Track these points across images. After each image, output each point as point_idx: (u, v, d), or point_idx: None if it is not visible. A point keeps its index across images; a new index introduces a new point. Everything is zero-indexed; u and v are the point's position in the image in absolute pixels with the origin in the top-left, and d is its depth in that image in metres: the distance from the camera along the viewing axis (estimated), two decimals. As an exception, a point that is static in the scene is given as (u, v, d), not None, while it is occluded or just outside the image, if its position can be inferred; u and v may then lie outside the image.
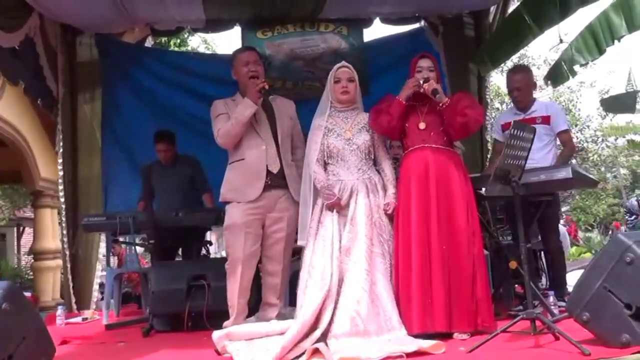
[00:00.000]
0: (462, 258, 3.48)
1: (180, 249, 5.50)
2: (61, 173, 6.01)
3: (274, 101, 4.00)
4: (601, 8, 4.73)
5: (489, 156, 6.42)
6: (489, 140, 6.56)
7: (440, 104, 3.60)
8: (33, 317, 2.94)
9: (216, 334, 3.42)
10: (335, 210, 3.59)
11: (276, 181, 3.82)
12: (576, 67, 5.00)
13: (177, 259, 5.57)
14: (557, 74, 5.15)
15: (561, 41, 5.21)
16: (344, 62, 3.86)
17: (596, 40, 4.77)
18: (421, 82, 3.62)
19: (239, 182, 3.81)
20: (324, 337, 3.24)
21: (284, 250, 3.88)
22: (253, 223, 3.79)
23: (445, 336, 3.34)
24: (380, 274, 3.49)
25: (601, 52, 4.77)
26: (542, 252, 5.08)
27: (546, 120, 4.44)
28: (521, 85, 4.57)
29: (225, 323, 3.74)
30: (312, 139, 3.76)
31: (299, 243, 3.76)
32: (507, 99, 17.78)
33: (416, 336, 3.27)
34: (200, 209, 5.21)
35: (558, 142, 4.66)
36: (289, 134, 3.96)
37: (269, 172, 3.80)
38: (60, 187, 6.01)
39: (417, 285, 3.41)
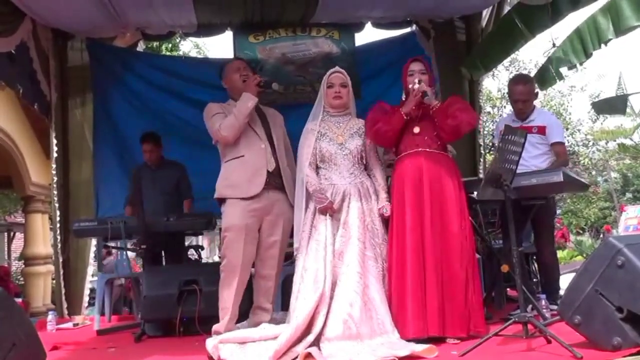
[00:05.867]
0: (456, 263, 3.48)
1: (164, 253, 5.47)
2: (55, 178, 5.98)
3: (265, 110, 4.05)
4: (589, 12, 4.77)
5: (481, 160, 6.46)
6: (482, 144, 6.60)
7: (431, 107, 3.61)
8: (23, 323, 2.92)
9: (210, 342, 3.41)
10: (328, 214, 3.59)
11: (274, 180, 3.84)
12: (563, 70, 5.03)
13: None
14: (545, 77, 5.18)
15: (554, 45, 5.23)
16: (337, 68, 3.87)
17: (583, 44, 4.79)
18: (416, 87, 3.61)
19: (238, 178, 3.80)
20: (317, 341, 3.24)
21: (279, 254, 3.89)
22: (252, 226, 3.78)
23: (438, 340, 3.34)
24: (373, 278, 3.49)
25: (588, 55, 4.79)
26: (534, 256, 5.10)
27: (542, 130, 4.40)
28: (525, 97, 4.48)
29: (216, 326, 3.71)
30: (305, 142, 3.76)
31: (295, 246, 3.74)
32: (498, 103, 17.89)
33: (410, 341, 3.27)
34: (191, 213, 5.21)
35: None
36: (283, 140, 4.00)
37: (266, 171, 3.82)
38: (54, 193, 5.98)
39: (412, 290, 3.41)
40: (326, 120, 3.80)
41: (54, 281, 6.62)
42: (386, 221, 3.67)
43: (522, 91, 4.48)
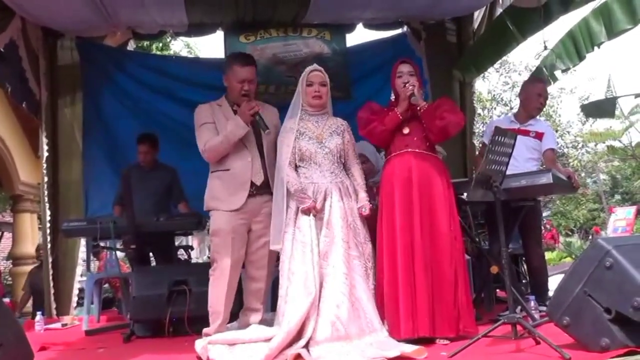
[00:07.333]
0: (445, 263, 3.48)
1: (154, 254, 5.46)
2: (45, 178, 5.94)
3: (262, 106, 3.91)
4: (582, 15, 4.80)
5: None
6: (476, 145, 6.62)
7: (418, 108, 3.61)
8: (11, 323, 2.90)
9: (199, 343, 3.40)
10: (311, 214, 3.55)
11: (259, 191, 3.79)
12: (557, 73, 5.06)
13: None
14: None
15: (545, 48, 5.26)
16: (315, 65, 3.79)
17: (576, 47, 4.83)
18: (407, 86, 3.61)
19: (222, 192, 3.76)
20: (307, 345, 3.22)
21: (269, 255, 3.84)
22: (239, 228, 3.76)
23: (428, 341, 3.34)
24: (359, 277, 3.48)
25: (581, 58, 4.83)
26: (524, 257, 5.11)
27: (539, 136, 4.44)
28: (546, 94, 4.63)
29: (207, 330, 3.69)
30: (283, 141, 3.69)
31: (272, 247, 3.69)
32: (488, 104, 17.94)
33: (401, 341, 3.28)
34: (181, 214, 5.20)
35: None
36: (274, 144, 3.89)
37: (252, 184, 3.76)
38: (44, 192, 5.94)
39: (403, 290, 3.41)
40: (305, 119, 3.73)
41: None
42: (367, 220, 3.66)
43: (544, 88, 4.62)
